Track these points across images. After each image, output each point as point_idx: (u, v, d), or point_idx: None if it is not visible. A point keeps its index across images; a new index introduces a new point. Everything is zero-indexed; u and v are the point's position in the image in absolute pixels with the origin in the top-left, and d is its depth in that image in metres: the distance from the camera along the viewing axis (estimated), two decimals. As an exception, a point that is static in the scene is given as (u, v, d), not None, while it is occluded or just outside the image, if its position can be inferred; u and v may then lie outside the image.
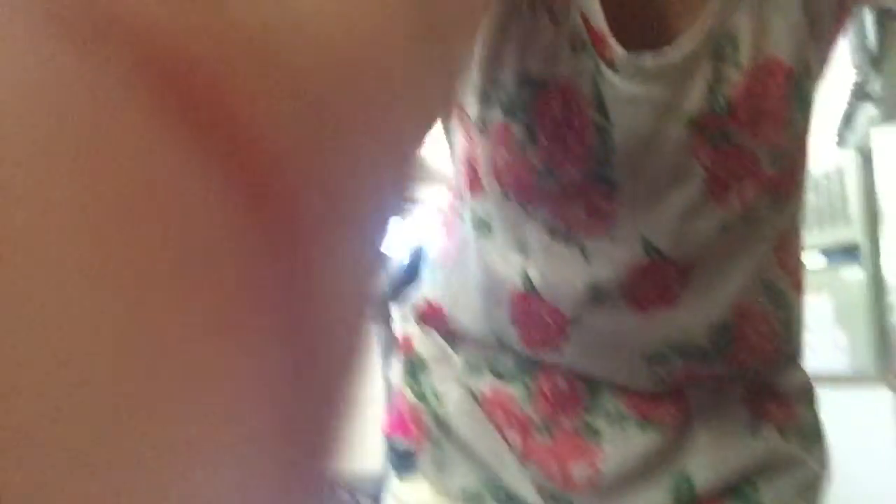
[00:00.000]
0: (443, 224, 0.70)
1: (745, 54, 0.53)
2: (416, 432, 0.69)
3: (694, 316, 0.58)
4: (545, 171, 0.55)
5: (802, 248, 0.67)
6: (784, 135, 0.56)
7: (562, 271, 0.57)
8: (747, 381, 0.64)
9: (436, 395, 0.68)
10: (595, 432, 0.62)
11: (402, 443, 0.72)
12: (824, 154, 3.84)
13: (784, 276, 0.63)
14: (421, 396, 0.69)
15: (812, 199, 3.31)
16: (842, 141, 3.97)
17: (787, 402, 0.66)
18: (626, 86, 0.53)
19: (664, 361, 0.59)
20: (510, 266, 0.60)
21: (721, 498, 0.63)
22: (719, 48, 0.54)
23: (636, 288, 0.56)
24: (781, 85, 0.55)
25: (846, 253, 3.58)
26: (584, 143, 0.53)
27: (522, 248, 0.59)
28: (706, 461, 0.62)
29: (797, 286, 0.65)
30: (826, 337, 3.84)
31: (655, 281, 0.56)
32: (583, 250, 0.56)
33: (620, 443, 0.61)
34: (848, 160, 3.83)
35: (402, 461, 0.73)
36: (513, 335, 0.62)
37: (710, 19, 0.53)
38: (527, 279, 0.59)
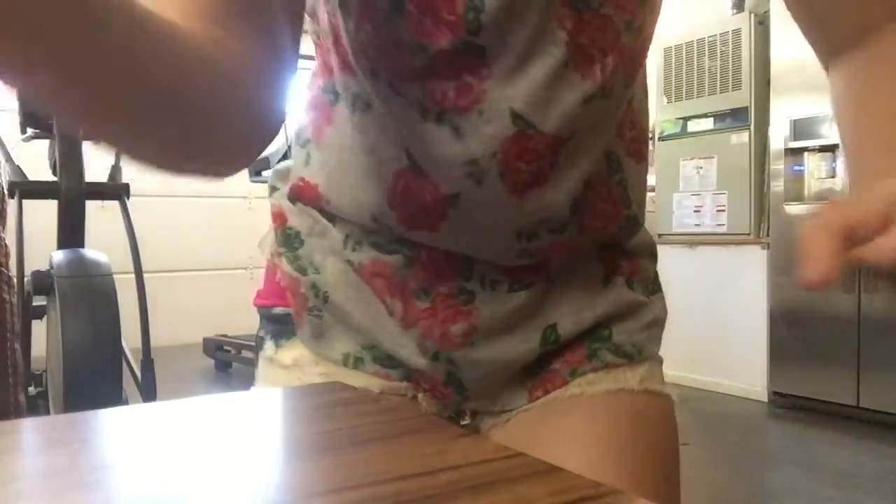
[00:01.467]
0: (313, 106, 0.67)
1: None
2: (294, 302, 0.71)
3: (558, 192, 0.61)
4: (415, 46, 0.54)
5: (645, 116, 0.70)
6: (640, 5, 0.58)
7: (439, 149, 0.58)
8: (600, 243, 0.70)
9: (314, 267, 0.70)
10: (470, 295, 0.66)
11: (280, 311, 0.73)
12: (721, 17, 3.84)
13: (622, 144, 0.67)
14: (300, 269, 0.70)
15: (707, 63, 3.34)
16: (738, 5, 3.98)
17: (634, 258, 0.73)
18: None
19: (533, 237, 0.63)
20: (391, 143, 0.60)
21: (581, 340, 0.70)
22: None
23: (512, 170, 0.58)
24: None
25: (736, 118, 3.68)
26: (454, 10, 0.52)
27: (400, 124, 0.58)
28: (568, 311, 0.69)
29: (635, 154, 0.68)
30: (710, 199, 4.02)
31: (528, 159, 0.58)
32: (455, 129, 0.56)
33: (494, 303, 0.66)
34: (744, 23, 3.86)
35: (280, 328, 0.75)
36: (391, 217, 0.63)
37: None
38: (409, 155, 0.59)
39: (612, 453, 0.66)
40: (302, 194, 0.69)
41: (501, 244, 0.63)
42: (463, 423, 0.76)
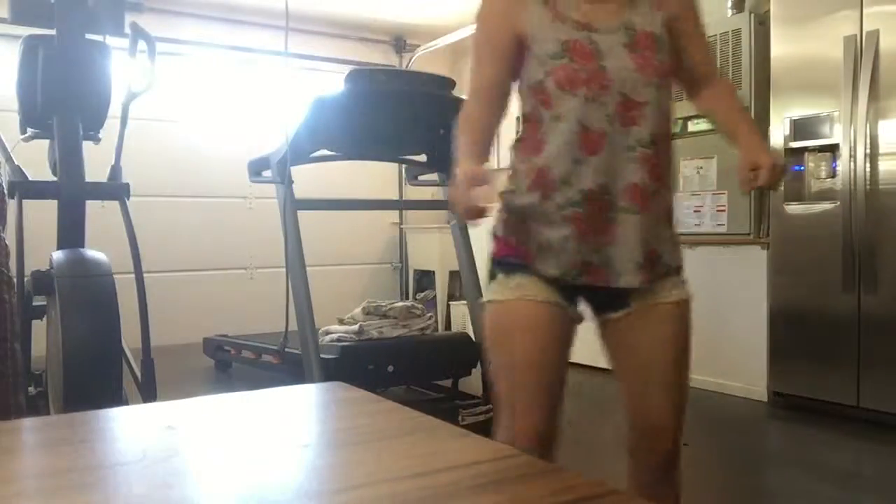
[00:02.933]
0: (524, 138, 1.43)
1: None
2: (524, 252, 1.38)
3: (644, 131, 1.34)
4: (581, 71, 1.31)
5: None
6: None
7: (595, 115, 1.31)
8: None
9: (545, 242, 1.36)
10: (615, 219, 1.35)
11: (511, 258, 1.39)
12: (721, 17, 3.83)
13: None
14: (532, 241, 1.37)
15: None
16: (738, 5, 3.97)
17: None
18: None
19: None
20: (570, 121, 1.32)
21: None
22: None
23: (622, 115, 1.31)
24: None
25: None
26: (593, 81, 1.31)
27: (574, 116, 1.32)
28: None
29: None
30: (710, 199, 4.02)
31: (630, 114, 1.32)
32: (601, 104, 1.31)
33: (627, 224, 1.36)
34: (744, 23, 3.86)
35: (509, 267, 1.38)
36: (582, 157, 1.32)
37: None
38: (581, 123, 1.32)
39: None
40: (538, 178, 1.35)
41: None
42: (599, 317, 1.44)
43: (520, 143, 1.42)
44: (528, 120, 1.41)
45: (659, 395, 1.40)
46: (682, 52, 1.40)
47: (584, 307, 1.43)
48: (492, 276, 1.41)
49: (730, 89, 1.54)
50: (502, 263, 1.39)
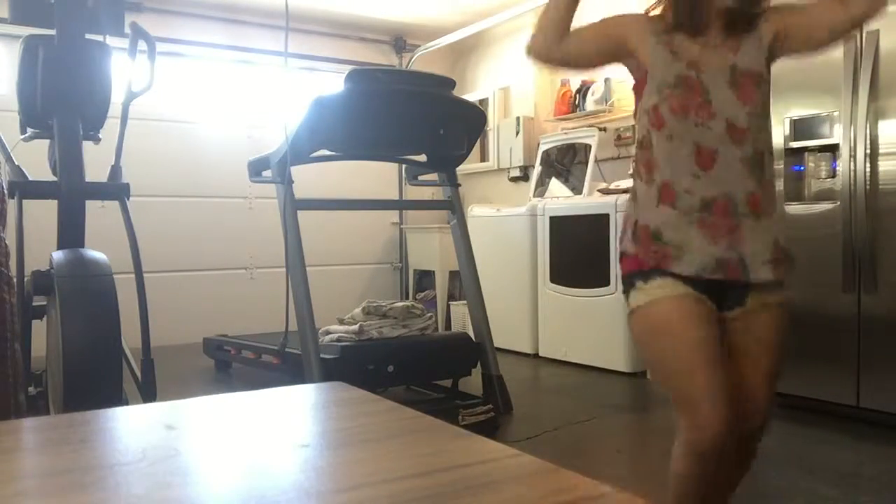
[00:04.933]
0: (641, 160, 1.61)
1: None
2: (659, 259, 1.54)
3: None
4: (691, 101, 1.54)
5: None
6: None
7: (706, 137, 1.53)
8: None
9: (679, 245, 1.53)
10: (739, 222, 1.57)
11: (645, 269, 1.55)
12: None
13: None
14: (668, 247, 1.54)
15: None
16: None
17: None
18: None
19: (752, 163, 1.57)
20: (687, 142, 1.54)
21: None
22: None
23: (731, 136, 1.53)
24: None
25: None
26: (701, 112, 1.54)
27: (689, 137, 1.54)
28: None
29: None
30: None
31: (737, 136, 1.53)
32: (709, 128, 1.53)
33: (749, 226, 1.58)
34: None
35: (644, 275, 1.55)
36: (700, 172, 1.53)
37: None
38: (700, 144, 1.53)
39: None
40: (663, 193, 1.55)
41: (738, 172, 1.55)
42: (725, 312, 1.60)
43: (638, 166, 1.62)
44: (642, 145, 1.61)
45: (759, 381, 1.64)
46: (807, 28, 1.65)
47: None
48: (630, 287, 1.58)
49: None
50: (638, 274, 1.57)
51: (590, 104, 5.16)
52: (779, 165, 3.50)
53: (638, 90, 1.64)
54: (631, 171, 1.69)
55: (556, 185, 5.27)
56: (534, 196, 5.30)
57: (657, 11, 1.65)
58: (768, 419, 1.68)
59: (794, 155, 3.46)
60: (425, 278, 6.32)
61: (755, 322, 1.62)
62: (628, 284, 1.58)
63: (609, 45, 1.63)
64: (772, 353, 1.66)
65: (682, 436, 1.52)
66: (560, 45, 1.62)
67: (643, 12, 1.69)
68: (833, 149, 3.32)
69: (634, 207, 1.61)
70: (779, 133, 3.47)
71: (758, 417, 1.63)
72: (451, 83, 3.52)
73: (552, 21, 1.61)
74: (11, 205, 2.20)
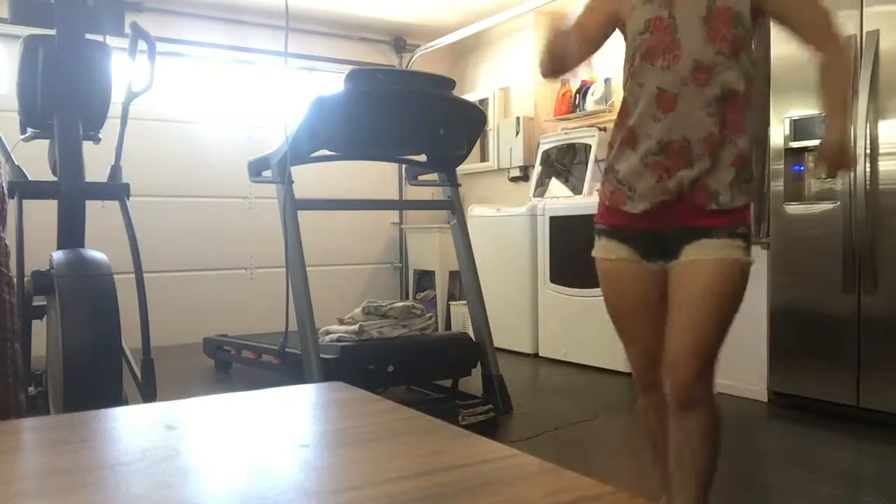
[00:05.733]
0: (621, 109, 1.68)
1: None
2: (620, 205, 1.66)
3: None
4: (658, 44, 1.58)
5: None
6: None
7: (669, 79, 1.56)
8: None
9: (632, 185, 1.64)
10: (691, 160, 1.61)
11: (598, 229, 1.72)
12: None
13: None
14: (623, 187, 1.65)
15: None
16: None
17: None
18: None
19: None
20: (650, 86, 1.58)
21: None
22: None
23: (695, 77, 1.55)
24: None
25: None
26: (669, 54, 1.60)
27: (654, 81, 1.59)
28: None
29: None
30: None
31: (701, 76, 1.54)
32: (675, 71, 1.56)
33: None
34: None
35: (609, 232, 1.70)
36: (659, 115, 1.58)
37: None
38: (662, 88, 1.58)
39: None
40: (627, 138, 1.64)
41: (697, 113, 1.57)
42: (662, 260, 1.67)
43: (618, 114, 1.70)
44: (625, 92, 1.69)
45: (679, 335, 1.62)
46: (786, 21, 1.61)
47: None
48: (596, 239, 1.75)
49: (832, 63, 1.57)
50: (596, 229, 1.74)
51: (590, 104, 5.16)
52: (779, 165, 3.50)
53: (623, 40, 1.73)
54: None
55: (556, 185, 5.27)
56: (534, 196, 5.30)
57: None
58: (692, 380, 1.61)
59: (794, 155, 3.46)
60: (425, 278, 6.32)
61: (685, 274, 1.62)
62: (596, 236, 1.76)
63: (608, 25, 1.73)
64: (693, 305, 1.60)
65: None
66: (568, 63, 1.77)
67: None
68: (833, 149, 3.32)
69: (608, 153, 1.73)
70: (779, 133, 3.48)
71: (679, 372, 1.61)
72: (451, 83, 3.52)
73: (556, 51, 1.72)
74: (11, 205, 2.20)
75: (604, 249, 1.72)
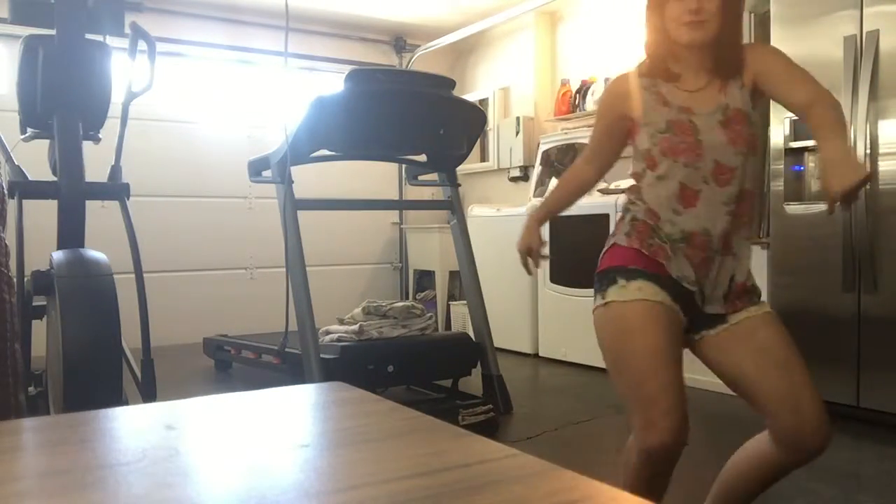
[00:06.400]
0: (634, 187, 1.74)
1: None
2: (658, 256, 1.64)
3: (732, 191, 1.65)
4: (681, 143, 1.63)
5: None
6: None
7: (692, 177, 1.63)
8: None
9: (665, 245, 1.65)
10: (714, 256, 1.66)
11: (626, 270, 1.63)
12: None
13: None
14: (660, 241, 1.64)
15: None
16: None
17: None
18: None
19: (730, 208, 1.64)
20: (673, 181, 1.64)
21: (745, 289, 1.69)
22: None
23: (717, 177, 1.62)
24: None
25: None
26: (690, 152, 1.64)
27: (676, 177, 1.64)
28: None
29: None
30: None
31: (723, 176, 1.62)
32: (697, 168, 1.62)
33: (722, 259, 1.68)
34: (744, 23, 3.83)
35: (628, 273, 1.62)
36: (681, 209, 1.63)
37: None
38: (685, 184, 1.63)
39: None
40: (648, 217, 1.67)
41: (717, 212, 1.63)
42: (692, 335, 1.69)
43: (633, 186, 1.75)
44: (637, 177, 1.73)
45: (779, 375, 1.58)
46: (779, 96, 1.64)
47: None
48: (610, 282, 1.64)
49: (824, 115, 1.53)
50: (621, 270, 1.64)
51: (590, 104, 5.16)
52: (779, 165, 3.50)
53: (632, 132, 1.74)
54: (628, 189, 1.79)
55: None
56: (534, 196, 5.30)
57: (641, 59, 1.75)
58: (824, 413, 1.64)
59: (794, 155, 3.46)
60: (425, 278, 6.32)
61: (746, 328, 1.64)
62: (608, 279, 1.64)
63: (621, 131, 1.77)
64: (775, 349, 1.61)
65: (636, 434, 1.60)
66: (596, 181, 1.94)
67: (628, 74, 1.74)
68: (833, 149, 3.32)
69: (628, 214, 1.72)
70: (779, 133, 3.48)
71: (822, 422, 1.63)
72: (451, 83, 3.52)
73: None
74: (11, 205, 2.20)
75: (640, 291, 1.60)
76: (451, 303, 5.83)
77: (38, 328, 2.59)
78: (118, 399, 2.10)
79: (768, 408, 1.59)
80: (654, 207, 1.66)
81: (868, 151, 3.12)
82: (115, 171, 2.80)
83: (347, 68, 3.66)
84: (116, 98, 2.69)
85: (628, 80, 1.73)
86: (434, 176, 3.86)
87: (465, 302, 4.26)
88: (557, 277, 4.71)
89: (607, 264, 1.68)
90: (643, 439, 1.54)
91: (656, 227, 1.66)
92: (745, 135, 1.62)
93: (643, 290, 1.60)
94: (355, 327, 3.46)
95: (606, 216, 4.30)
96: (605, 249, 1.73)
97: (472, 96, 6.00)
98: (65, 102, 2.54)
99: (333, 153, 3.44)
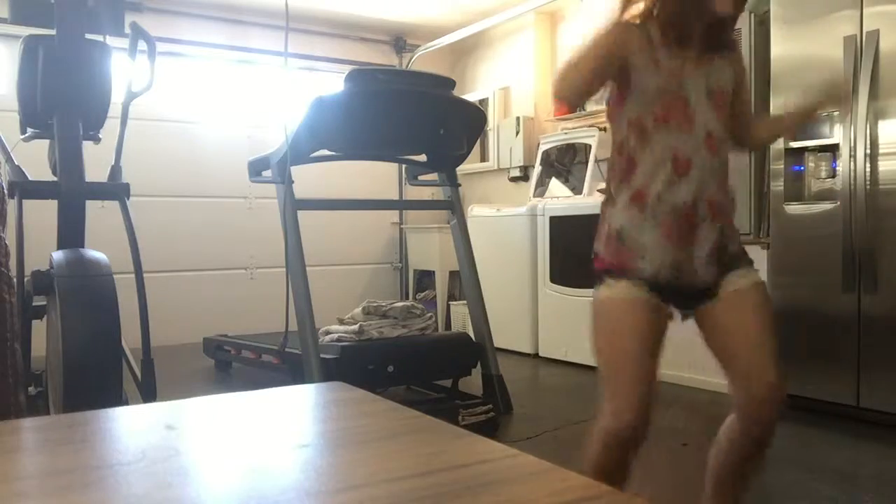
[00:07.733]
0: (618, 167, 1.70)
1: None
2: (628, 264, 1.65)
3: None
4: (674, 110, 1.65)
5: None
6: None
7: (684, 145, 1.63)
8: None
9: (641, 245, 1.65)
10: (697, 228, 1.66)
11: (616, 268, 1.66)
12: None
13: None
14: (631, 248, 1.65)
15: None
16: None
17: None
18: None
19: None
20: (665, 149, 1.63)
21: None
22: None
23: (708, 146, 1.64)
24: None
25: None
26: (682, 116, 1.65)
27: (669, 145, 1.64)
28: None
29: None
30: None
31: (712, 144, 1.65)
32: (689, 134, 1.64)
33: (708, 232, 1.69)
34: (744, 23, 3.84)
35: (615, 273, 1.66)
36: (674, 177, 1.63)
37: None
38: (676, 152, 1.64)
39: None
40: (636, 197, 1.65)
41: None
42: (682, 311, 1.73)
43: (614, 170, 1.72)
44: (621, 150, 1.70)
45: (751, 349, 1.72)
46: (734, 98, 1.73)
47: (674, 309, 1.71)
48: (601, 282, 1.70)
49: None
50: (608, 272, 1.69)
51: (590, 104, 5.16)
52: (779, 165, 3.50)
53: (618, 98, 1.72)
54: (607, 174, 1.79)
55: (556, 185, 5.27)
56: (534, 196, 5.30)
57: (637, 18, 1.71)
58: (781, 378, 1.75)
59: (794, 155, 3.46)
60: (425, 278, 6.32)
61: (734, 302, 1.69)
62: (599, 279, 1.71)
63: (615, 67, 1.71)
64: (758, 325, 1.72)
65: (601, 420, 1.66)
66: (585, 95, 1.78)
67: (626, 21, 1.70)
68: (833, 149, 3.32)
69: (607, 209, 1.73)
70: (779, 133, 3.47)
71: (773, 391, 1.75)
72: (451, 83, 3.52)
73: (582, 82, 1.67)
74: (11, 205, 2.20)
75: (625, 290, 1.65)
76: (451, 303, 5.83)
77: (38, 328, 2.59)
78: (118, 399, 2.10)
79: (731, 381, 1.73)
80: (642, 181, 1.65)
81: (868, 151, 3.12)
82: (115, 171, 2.80)
83: (347, 68, 3.66)
84: (116, 98, 2.69)
85: (636, 34, 1.67)
86: (434, 176, 3.86)
87: (465, 302, 4.26)
88: (557, 277, 4.71)
89: (596, 268, 1.75)
90: (605, 426, 1.65)
91: (622, 231, 1.67)
92: (725, 109, 1.68)
93: (628, 290, 1.66)
94: (355, 327, 3.46)
95: (606, 216, 4.30)
96: (593, 253, 1.77)
97: (472, 96, 6.00)
98: (65, 102, 2.54)
99: (333, 153, 3.44)
